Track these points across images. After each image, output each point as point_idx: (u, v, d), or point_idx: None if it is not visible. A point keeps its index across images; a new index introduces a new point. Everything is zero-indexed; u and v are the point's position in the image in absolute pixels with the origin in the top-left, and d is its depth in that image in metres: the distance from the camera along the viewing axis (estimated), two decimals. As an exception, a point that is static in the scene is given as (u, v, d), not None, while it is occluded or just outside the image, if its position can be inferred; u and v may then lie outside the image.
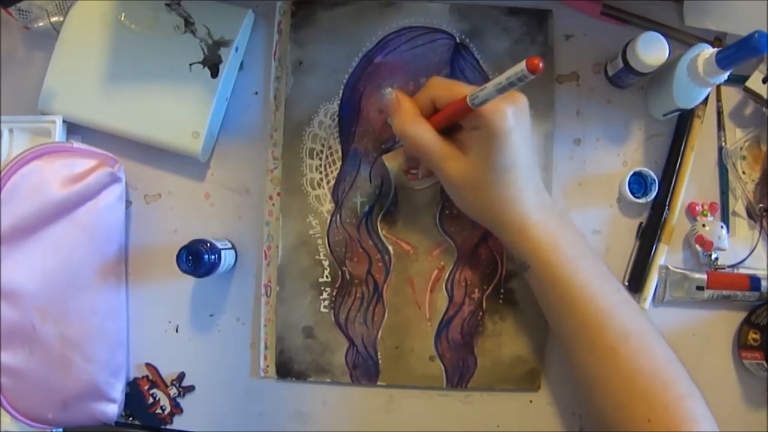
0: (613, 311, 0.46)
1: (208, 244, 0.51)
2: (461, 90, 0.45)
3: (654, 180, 0.56)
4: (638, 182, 0.57)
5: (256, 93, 0.58)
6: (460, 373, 0.56)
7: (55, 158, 0.51)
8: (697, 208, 0.58)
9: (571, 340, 0.48)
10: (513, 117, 0.44)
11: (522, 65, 0.38)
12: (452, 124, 0.47)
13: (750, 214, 0.58)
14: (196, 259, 0.50)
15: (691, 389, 0.45)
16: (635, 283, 0.57)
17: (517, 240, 0.48)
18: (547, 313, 0.51)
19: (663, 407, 0.44)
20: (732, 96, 0.59)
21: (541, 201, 0.48)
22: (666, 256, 0.57)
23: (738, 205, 0.58)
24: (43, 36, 0.57)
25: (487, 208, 0.48)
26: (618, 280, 0.50)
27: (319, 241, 0.56)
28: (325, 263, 0.56)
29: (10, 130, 0.55)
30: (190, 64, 0.55)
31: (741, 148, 0.58)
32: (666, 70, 0.53)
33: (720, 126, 0.58)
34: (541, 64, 0.38)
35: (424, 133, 0.47)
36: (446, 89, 0.47)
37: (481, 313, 0.56)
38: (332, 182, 0.56)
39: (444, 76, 0.56)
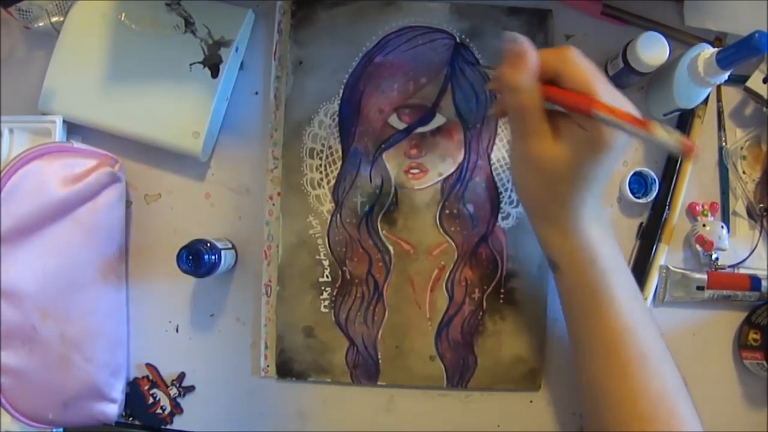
0: (635, 330, 0.46)
1: (208, 244, 0.51)
2: (593, 87, 0.41)
3: (654, 180, 0.56)
4: (638, 182, 0.57)
5: (256, 93, 0.58)
6: (460, 372, 0.56)
7: (55, 158, 0.51)
8: (697, 207, 0.58)
9: (586, 348, 0.48)
10: (620, 138, 0.42)
11: (676, 142, 0.38)
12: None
13: (750, 214, 0.58)
14: (197, 259, 0.50)
15: (694, 420, 0.45)
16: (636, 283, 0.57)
17: (559, 241, 0.47)
18: (568, 316, 0.50)
19: None
20: (732, 96, 0.59)
21: (596, 212, 0.47)
22: (666, 256, 0.57)
23: (738, 205, 0.58)
24: (43, 36, 0.57)
25: (545, 199, 0.47)
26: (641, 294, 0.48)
27: (320, 241, 0.56)
28: (326, 263, 0.56)
29: (10, 130, 0.55)
30: (191, 64, 0.55)
31: (741, 148, 0.58)
32: (666, 70, 0.53)
33: (720, 126, 0.58)
34: (695, 152, 0.38)
35: (532, 100, 0.43)
36: (579, 76, 0.42)
37: (481, 313, 0.56)
38: (332, 182, 0.56)
39: (444, 76, 0.56)
